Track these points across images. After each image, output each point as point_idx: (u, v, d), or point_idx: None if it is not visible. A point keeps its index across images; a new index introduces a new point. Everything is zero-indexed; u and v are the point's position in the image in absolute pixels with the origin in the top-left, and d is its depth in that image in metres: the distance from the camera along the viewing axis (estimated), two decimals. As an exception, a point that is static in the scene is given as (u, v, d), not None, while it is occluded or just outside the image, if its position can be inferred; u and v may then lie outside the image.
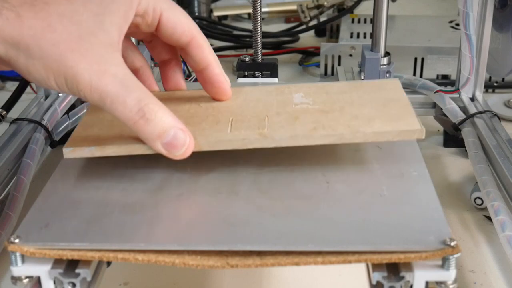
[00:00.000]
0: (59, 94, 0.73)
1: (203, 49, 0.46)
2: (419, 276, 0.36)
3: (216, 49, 1.05)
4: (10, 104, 0.71)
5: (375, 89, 0.49)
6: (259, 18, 0.71)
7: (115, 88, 0.39)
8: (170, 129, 0.40)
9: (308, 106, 0.47)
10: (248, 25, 1.12)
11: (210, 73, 0.47)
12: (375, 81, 0.51)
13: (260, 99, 0.49)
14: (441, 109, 0.73)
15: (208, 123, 0.45)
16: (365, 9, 1.09)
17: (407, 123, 0.43)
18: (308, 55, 1.02)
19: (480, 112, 0.70)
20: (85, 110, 0.71)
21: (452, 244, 0.36)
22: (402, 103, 0.46)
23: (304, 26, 1.06)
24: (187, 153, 0.41)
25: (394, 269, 0.37)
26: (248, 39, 1.03)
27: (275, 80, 0.71)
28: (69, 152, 0.43)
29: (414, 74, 0.90)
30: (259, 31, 0.72)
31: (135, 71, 0.49)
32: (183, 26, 0.45)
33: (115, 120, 0.46)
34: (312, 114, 0.46)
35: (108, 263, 0.40)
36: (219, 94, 0.48)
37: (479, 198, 0.61)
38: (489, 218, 0.58)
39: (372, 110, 0.46)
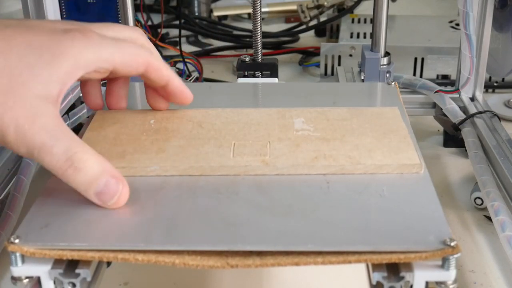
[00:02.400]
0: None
1: (160, 70, 0.47)
2: (419, 276, 0.36)
3: (216, 49, 1.05)
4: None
5: (375, 117, 0.50)
6: (259, 18, 0.71)
7: (41, 139, 0.38)
8: (101, 178, 0.39)
9: (309, 133, 0.47)
10: (248, 25, 1.12)
11: (172, 87, 0.48)
12: (375, 109, 0.51)
13: (261, 122, 0.49)
14: (441, 109, 0.73)
15: (210, 147, 0.46)
16: (365, 9, 1.09)
17: (407, 157, 0.44)
18: (308, 55, 1.02)
19: (480, 112, 0.70)
20: (85, 110, 0.71)
21: (452, 244, 0.36)
22: (402, 134, 0.47)
23: (304, 26, 1.06)
24: (121, 202, 0.40)
25: (394, 269, 0.37)
26: (248, 39, 1.03)
27: (275, 80, 0.71)
28: None
29: (414, 74, 0.90)
30: (259, 31, 0.72)
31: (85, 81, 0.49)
32: (137, 61, 0.45)
33: (118, 139, 0.46)
34: (313, 142, 0.46)
35: (108, 263, 0.40)
36: (185, 101, 0.50)
37: (479, 198, 0.61)
38: (489, 218, 0.58)
39: (372, 140, 0.46)
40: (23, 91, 0.39)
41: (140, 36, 0.48)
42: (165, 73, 0.47)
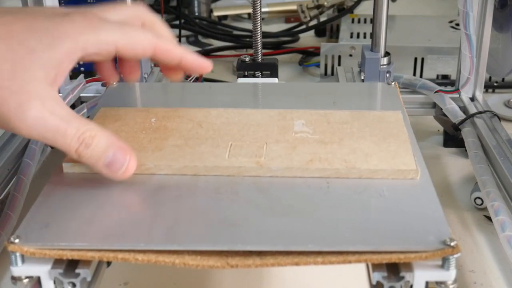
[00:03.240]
0: (59, 94, 0.73)
1: (169, 51, 0.46)
2: (419, 276, 0.36)
3: (216, 49, 1.05)
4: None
5: (377, 120, 0.50)
6: (259, 18, 0.71)
7: (54, 122, 0.40)
8: (109, 150, 0.41)
9: (308, 136, 0.47)
10: (248, 25, 1.12)
11: (186, 63, 0.47)
12: (377, 112, 0.51)
13: (261, 123, 0.49)
14: (441, 109, 0.73)
15: (207, 147, 0.46)
16: (365, 9, 1.09)
17: (403, 162, 0.44)
18: (308, 55, 1.02)
19: (480, 112, 0.70)
20: (85, 110, 0.71)
21: (452, 244, 0.36)
22: (401, 139, 0.47)
23: (304, 26, 1.06)
24: (129, 172, 0.42)
25: (394, 269, 0.37)
26: (248, 39, 1.03)
27: (275, 80, 0.71)
28: (69, 167, 0.44)
29: (414, 74, 0.90)
30: (259, 31, 0.72)
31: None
32: (142, 44, 0.44)
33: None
34: (311, 144, 0.46)
35: (108, 263, 0.40)
36: (204, 71, 0.48)
37: (479, 198, 0.61)
38: (489, 218, 0.58)
39: (370, 144, 0.46)
40: (27, 76, 0.39)
41: (144, 12, 0.47)
42: (176, 52, 0.46)
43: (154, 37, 0.45)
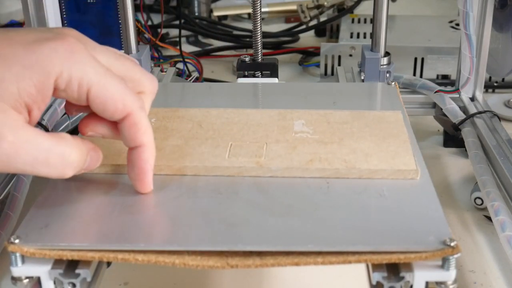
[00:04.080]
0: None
1: (137, 128, 0.40)
2: (419, 276, 0.36)
3: (216, 49, 1.05)
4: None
5: (377, 120, 0.50)
6: (259, 18, 0.71)
7: (32, 154, 0.36)
8: (85, 159, 0.39)
9: (308, 136, 0.47)
10: (248, 25, 1.12)
11: (137, 156, 0.41)
12: (377, 113, 0.51)
13: (261, 123, 0.49)
14: (441, 109, 0.73)
15: (207, 147, 0.46)
16: (365, 9, 1.09)
17: (403, 162, 0.44)
18: (308, 55, 1.02)
19: (480, 112, 0.70)
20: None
21: (452, 244, 0.36)
22: (401, 139, 0.47)
23: (304, 26, 1.06)
24: (100, 162, 0.41)
25: (394, 269, 0.37)
26: (248, 39, 1.03)
27: (275, 80, 0.71)
28: None
29: (414, 74, 0.90)
30: (259, 31, 0.72)
31: None
32: (115, 104, 0.39)
33: None
34: (311, 144, 0.46)
35: (108, 263, 0.40)
36: (137, 181, 0.42)
37: (479, 198, 0.61)
38: (489, 218, 0.58)
39: (370, 144, 0.46)
40: None
41: (147, 80, 0.43)
42: (140, 136, 0.40)
43: (135, 103, 0.39)
